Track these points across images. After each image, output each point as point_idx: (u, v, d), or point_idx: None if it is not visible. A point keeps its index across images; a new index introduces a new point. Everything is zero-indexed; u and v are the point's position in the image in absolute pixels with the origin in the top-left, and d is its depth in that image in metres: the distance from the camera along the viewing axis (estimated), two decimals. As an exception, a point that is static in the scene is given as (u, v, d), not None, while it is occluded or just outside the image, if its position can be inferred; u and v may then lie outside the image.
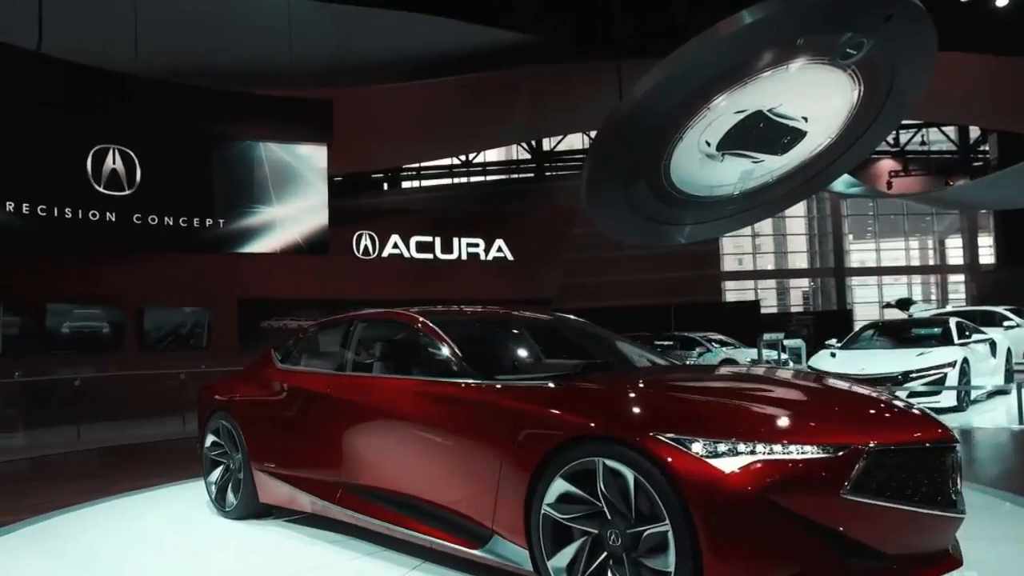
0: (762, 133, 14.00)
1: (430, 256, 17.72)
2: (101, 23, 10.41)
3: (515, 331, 5.05)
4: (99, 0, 10.34)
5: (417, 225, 17.77)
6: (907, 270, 31.37)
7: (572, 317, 5.40)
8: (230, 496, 4.86)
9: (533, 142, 26.67)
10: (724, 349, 17.34)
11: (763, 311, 25.67)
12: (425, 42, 15.38)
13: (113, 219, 10.08)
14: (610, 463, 2.84)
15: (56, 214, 9.57)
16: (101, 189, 9.98)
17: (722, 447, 2.65)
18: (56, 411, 9.46)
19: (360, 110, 14.50)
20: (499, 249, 18.46)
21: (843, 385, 3.66)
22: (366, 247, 16.94)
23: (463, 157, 30.64)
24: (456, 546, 3.40)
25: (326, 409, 4.31)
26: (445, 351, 3.87)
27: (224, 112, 11.18)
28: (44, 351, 11.71)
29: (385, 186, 30.41)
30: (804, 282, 32.76)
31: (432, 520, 3.53)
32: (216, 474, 4.99)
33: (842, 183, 19.83)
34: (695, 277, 22.91)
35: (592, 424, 3.02)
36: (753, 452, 2.63)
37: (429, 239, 17.74)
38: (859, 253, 32.29)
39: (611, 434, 2.89)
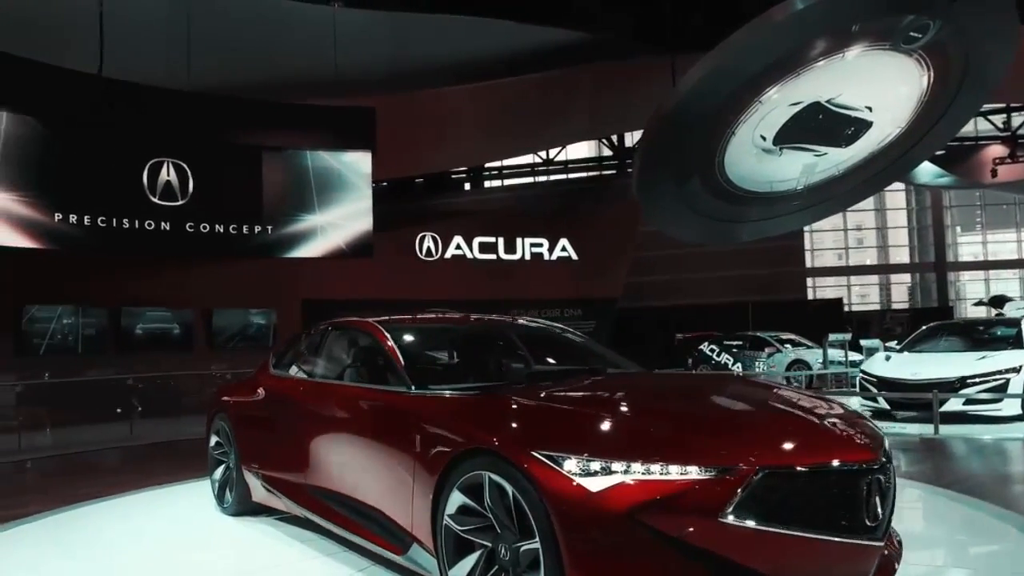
0: (822, 125, 13.38)
1: (493, 256, 17.90)
2: (157, 45, 11.17)
3: (479, 339, 5.15)
4: (155, 24, 11.08)
5: (481, 226, 17.97)
6: (1019, 264, 29.08)
7: (544, 324, 5.42)
8: (227, 494, 5.19)
9: (615, 138, 26.42)
10: (795, 350, 16.69)
11: (856, 309, 24.51)
12: (480, 45, 15.57)
13: (167, 228, 10.79)
14: (495, 477, 2.87)
15: (115, 224, 10.34)
16: (156, 200, 10.70)
17: (595, 465, 2.60)
18: (112, 408, 10.24)
19: (415, 114, 14.88)
20: (563, 248, 18.43)
21: (774, 398, 3.48)
22: (429, 248, 17.30)
23: (544, 155, 30.75)
24: (384, 550, 3.57)
25: (294, 414, 4.55)
26: (389, 359, 4.03)
27: (271, 123, 11.76)
28: (119, 351, 12.66)
29: (467, 186, 30.89)
30: (907, 277, 31.00)
31: (370, 524, 3.69)
32: (218, 472, 5.34)
33: (927, 174, 18.63)
34: (776, 274, 22.10)
35: (481, 437, 3.09)
36: (627, 471, 2.56)
37: (492, 239, 17.92)
38: (969, 246, 30.22)
39: (494, 448, 2.93)
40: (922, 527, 4.75)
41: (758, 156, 13.86)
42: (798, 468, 2.66)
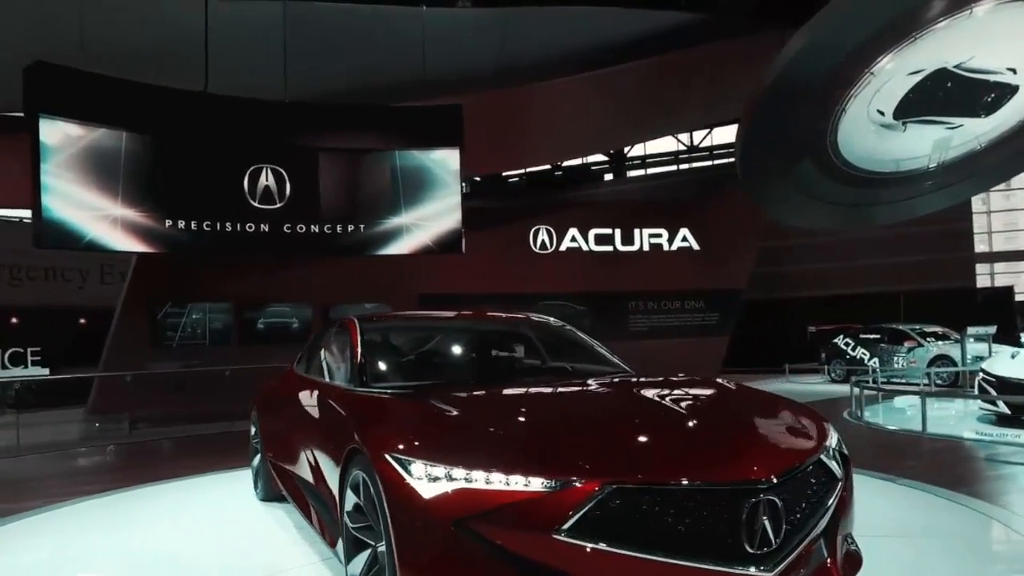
0: (952, 94, 11.95)
1: (609, 248, 17.62)
2: (256, 61, 12.05)
3: (464, 337, 5.23)
4: (254, 42, 11.97)
5: (596, 217, 17.74)
6: None
7: (547, 320, 5.40)
8: (259, 481, 5.71)
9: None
10: (940, 344, 15.09)
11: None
12: (589, 34, 15.35)
13: (266, 229, 11.66)
14: (366, 478, 2.98)
15: (218, 228, 11.33)
16: (256, 204, 11.59)
17: (438, 471, 2.60)
18: (215, 397, 11.24)
19: (523, 109, 14.95)
20: (683, 238, 17.79)
21: (687, 407, 3.31)
22: (543, 241, 17.34)
23: (688, 141, 29.76)
24: (325, 542, 3.79)
25: (288, 408, 4.87)
26: (351, 356, 4.25)
27: (362, 126, 12.33)
28: (242, 343, 13.83)
29: (609, 176, 30.58)
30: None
31: (324, 514, 3.88)
32: (256, 460, 5.82)
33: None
34: (936, 260, 20.00)
35: (357, 438, 3.22)
36: (468, 480, 2.54)
37: (608, 231, 17.65)
38: None
39: (364, 449, 3.03)
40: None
41: (877, 133, 12.62)
42: (652, 486, 2.47)
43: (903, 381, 14.71)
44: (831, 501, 2.86)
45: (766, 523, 2.50)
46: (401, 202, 12.45)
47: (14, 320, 18.87)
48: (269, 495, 5.47)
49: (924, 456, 7.69)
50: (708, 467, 2.58)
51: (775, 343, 18.74)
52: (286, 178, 11.82)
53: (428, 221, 12.64)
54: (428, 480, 2.61)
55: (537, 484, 2.47)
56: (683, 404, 3.36)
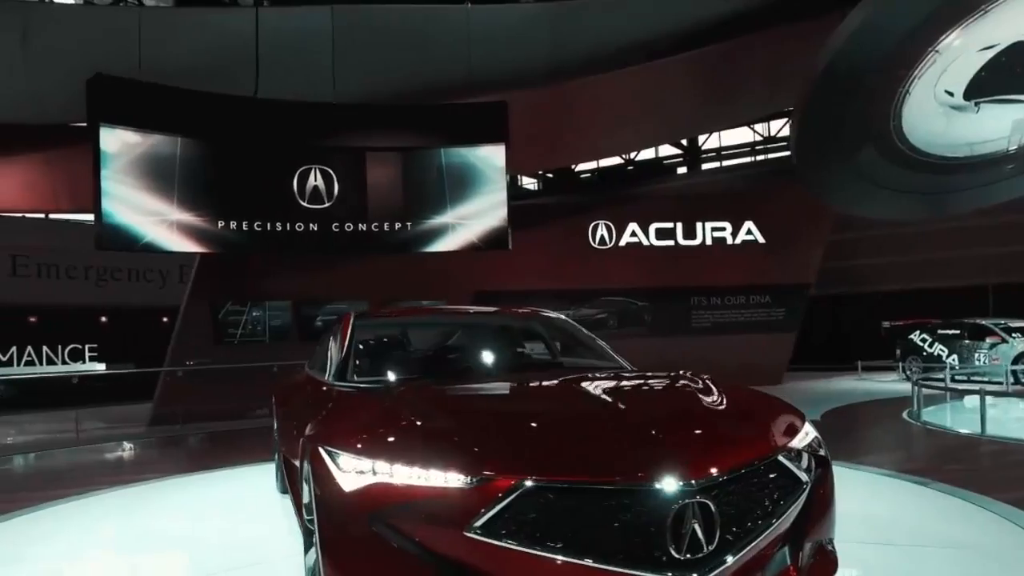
0: (1030, 70, 11.11)
1: (671, 243, 17.22)
2: (304, 64, 12.35)
3: (456, 332, 5.28)
4: (302, 46, 12.27)
5: (658, 211, 17.37)
6: None
7: (550, 316, 5.36)
8: (278, 473, 5.90)
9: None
10: (1024, 339, 14.12)
11: None
12: (642, 25, 15.06)
13: (315, 228, 11.96)
14: (308, 469, 3.05)
15: (268, 228, 11.69)
16: (305, 204, 11.91)
17: (363, 465, 2.63)
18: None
19: (578, 103, 14.79)
20: (748, 232, 17.19)
21: (643, 401, 3.30)
22: (602, 236, 17.11)
23: (765, 131, 28.83)
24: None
25: (293, 403, 4.98)
26: (337, 351, 4.37)
27: (407, 125, 12.49)
28: (301, 340, 14.22)
29: (683, 170, 29.97)
30: None
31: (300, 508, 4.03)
32: (277, 454, 6.04)
33: None
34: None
35: (304, 430, 3.32)
36: (389, 474, 2.56)
37: (670, 225, 17.24)
38: None
39: (306, 441, 3.12)
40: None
41: (947, 115, 11.85)
42: (571, 485, 2.41)
43: (985, 380, 13.81)
44: (792, 505, 2.69)
45: (696, 528, 2.37)
46: (447, 199, 12.54)
47: (103, 319, 20.04)
48: (285, 487, 5.60)
49: (973, 460, 7.19)
50: (635, 467, 2.47)
51: (847, 340, 17.92)
52: (334, 178, 12.09)
53: (474, 218, 12.68)
54: (352, 473, 2.62)
55: (455, 480, 2.44)
56: (635, 402, 3.27)
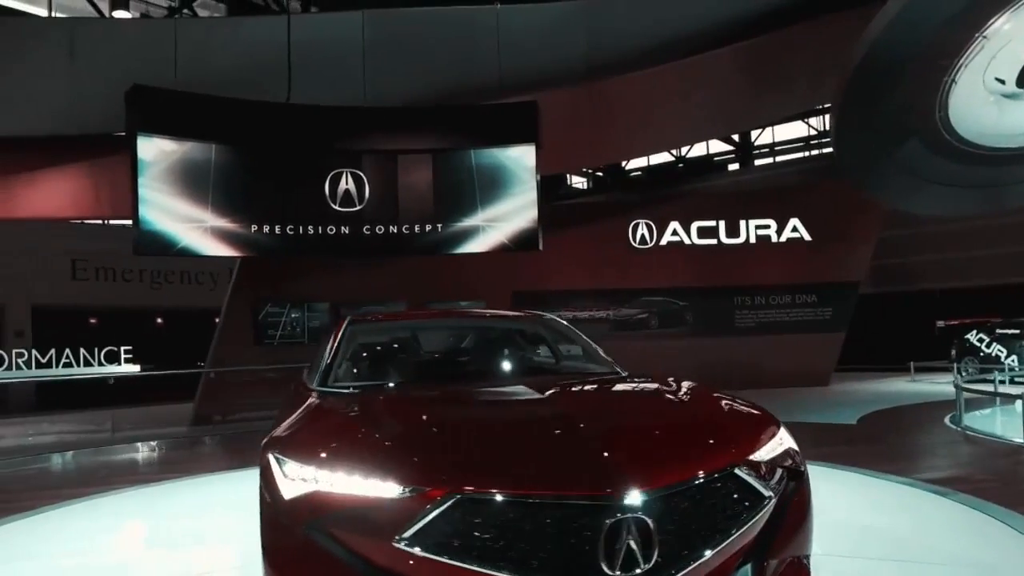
0: (1088, 54, 10.45)
1: (713, 241, 16.88)
2: (336, 70, 12.51)
3: (446, 336, 5.28)
4: (333, 53, 12.44)
5: (699, 210, 17.05)
6: None
7: (545, 319, 5.32)
8: None
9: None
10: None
11: None
12: (679, 20, 14.80)
13: (346, 231, 12.11)
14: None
15: (301, 232, 11.89)
16: (336, 208, 12.07)
17: (305, 473, 2.64)
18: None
19: (615, 101, 14.60)
20: (793, 229, 16.72)
21: (601, 410, 3.24)
22: (643, 236, 16.88)
23: (821, 125, 27.99)
24: None
25: (283, 406, 5.12)
26: (324, 356, 4.44)
27: (438, 126, 12.53)
28: (339, 340, 14.40)
29: (736, 166, 29.37)
30: None
31: None
32: None
33: None
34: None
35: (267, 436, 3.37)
36: (330, 483, 2.56)
37: (712, 223, 16.90)
38: None
39: (262, 448, 3.10)
40: None
41: (998, 104, 11.26)
42: (500, 497, 2.36)
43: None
44: (751, 520, 2.58)
45: (632, 544, 2.29)
46: (477, 200, 12.53)
47: (159, 320, 20.76)
48: None
49: (1007, 470, 6.80)
50: (569, 480, 2.41)
51: (899, 340, 17.25)
52: (365, 181, 12.21)
53: (504, 219, 12.65)
54: (297, 480, 2.62)
55: (389, 490, 2.43)
56: (593, 412, 3.19)
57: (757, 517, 2.58)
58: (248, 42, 12.20)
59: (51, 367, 9.16)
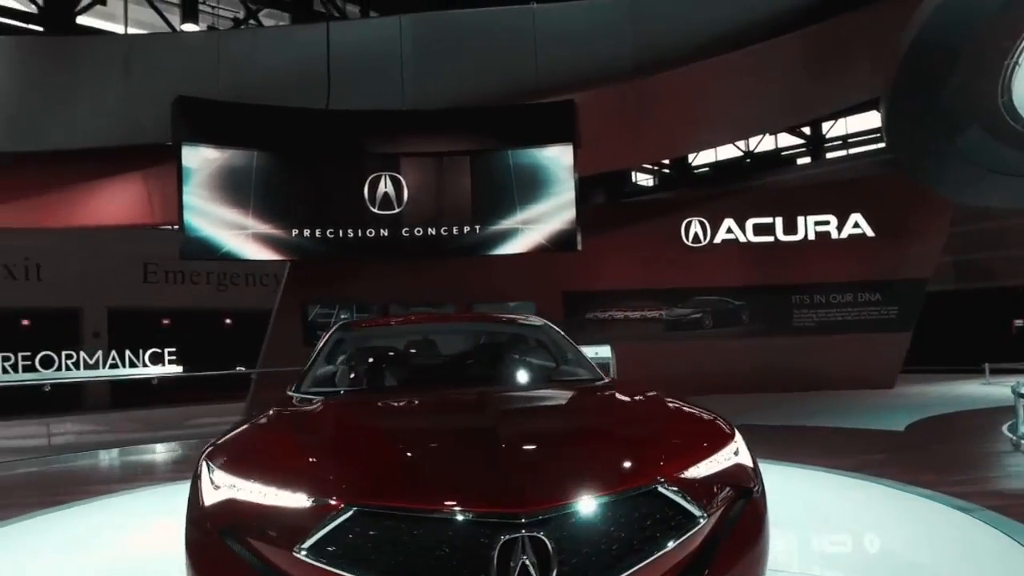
0: None
1: (770, 239, 16.33)
2: (374, 75, 12.67)
3: (430, 343, 5.28)
4: (372, 58, 12.62)
5: (755, 206, 16.52)
6: None
7: (533, 323, 5.28)
8: None
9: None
10: None
11: None
12: (731, 10, 14.39)
13: (385, 234, 12.27)
14: None
15: (340, 235, 12.12)
16: (376, 211, 12.25)
17: (229, 481, 2.69)
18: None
19: (664, 97, 14.30)
20: (855, 224, 15.99)
21: (515, 422, 3.17)
22: (696, 234, 16.48)
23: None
24: None
25: None
26: (309, 362, 4.56)
27: (475, 128, 12.55)
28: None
29: (806, 160, 28.38)
30: None
31: None
32: None
33: None
34: None
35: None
36: (249, 491, 2.61)
37: (768, 220, 16.35)
38: None
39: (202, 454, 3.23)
40: None
41: (1067, 87, 10.48)
42: (396, 511, 2.36)
43: None
44: (676, 542, 2.43)
45: (527, 563, 2.23)
46: (516, 201, 12.50)
47: (227, 321, 21.54)
48: None
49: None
50: (465, 495, 2.36)
51: (974, 340, 16.28)
52: (404, 184, 12.35)
53: (542, 219, 12.57)
54: (218, 488, 2.68)
55: (296, 500, 2.47)
56: (522, 425, 3.14)
57: (684, 539, 2.44)
58: (289, 50, 12.51)
59: (98, 368, 9.61)
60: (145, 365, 9.87)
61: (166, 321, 20.59)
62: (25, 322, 18.85)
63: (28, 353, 9.74)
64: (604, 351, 10.80)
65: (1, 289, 17.94)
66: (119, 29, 20.58)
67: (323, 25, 12.33)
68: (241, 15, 21.88)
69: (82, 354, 10.07)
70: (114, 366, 10.06)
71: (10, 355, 9.56)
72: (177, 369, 10.28)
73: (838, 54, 14.00)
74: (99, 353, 10.28)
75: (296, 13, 21.81)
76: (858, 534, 4.93)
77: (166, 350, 10.28)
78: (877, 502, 5.74)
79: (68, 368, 9.58)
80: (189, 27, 19.31)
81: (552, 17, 12.89)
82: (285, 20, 22.39)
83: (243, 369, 13.40)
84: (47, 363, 9.52)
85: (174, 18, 20.41)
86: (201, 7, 20.64)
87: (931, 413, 10.90)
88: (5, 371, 9.48)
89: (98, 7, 19.27)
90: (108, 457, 9.45)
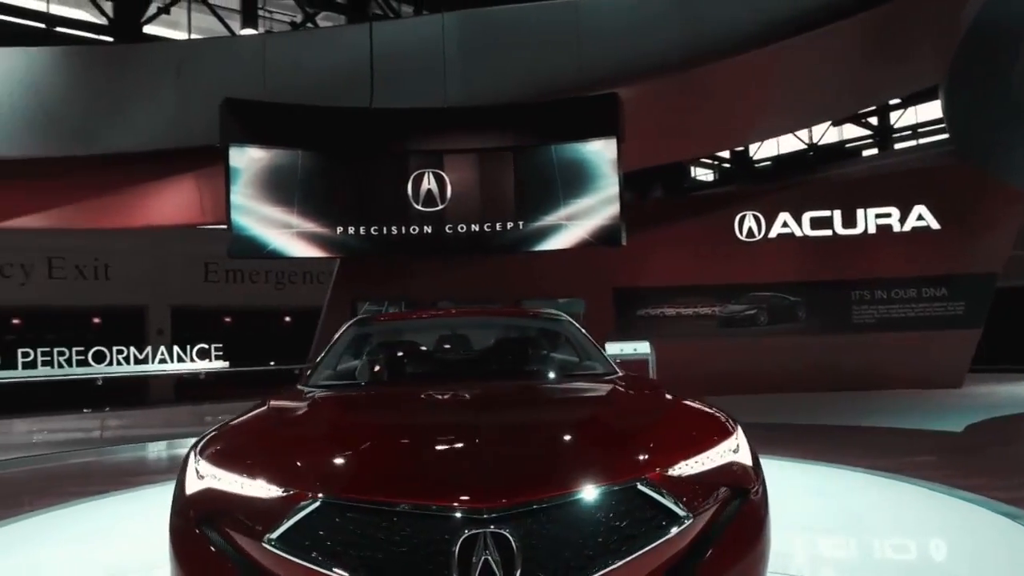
0: None
1: (827, 232, 15.76)
2: (417, 73, 12.71)
3: (442, 337, 5.26)
4: (414, 57, 12.67)
5: (811, 199, 15.96)
6: None
7: (552, 316, 5.22)
8: None
9: None
10: None
11: None
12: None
13: (429, 231, 12.31)
14: None
15: (384, 232, 12.21)
16: (419, 207, 12.30)
17: (211, 471, 2.74)
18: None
19: (719, 87, 13.93)
20: (919, 217, 15.29)
21: (500, 415, 3.15)
22: (750, 229, 16.03)
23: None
24: None
25: None
26: (324, 353, 4.63)
27: (518, 123, 12.46)
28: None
29: (873, 151, 27.35)
30: None
31: None
32: None
33: None
34: None
35: None
36: (229, 482, 2.64)
37: (826, 213, 15.78)
38: None
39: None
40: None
41: None
42: (360, 504, 2.36)
43: None
44: (656, 543, 2.34)
45: (490, 560, 2.18)
46: (559, 196, 12.38)
47: (287, 319, 22.02)
48: None
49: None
50: (429, 490, 2.34)
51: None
52: (447, 180, 12.36)
53: (586, 214, 12.42)
54: (202, 477, 2.71)
55: (271, 491, 2.48)
56: (507, 419, 3.09)
57: (665, 540, 2.34)
58: (333, 50, 12.67)
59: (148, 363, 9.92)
60: (202, 360, 10.12)
61: (227, 319, 21.17)
62: (95, 320, 19.67)
63: (99, 348, 10.02)
64: (643, 347, 10.54)
65: (73, 288, 18.75)
66: (183, 36, 21.24)
67: (366, 25, 12.44)
68: (299, 19, 22.33)
69: (143, 350, 10.41)
70: (180, 360, 10.34)
71: (78, 349, 9.89)
72: (224, 364, 10.52)
73: (900, 39, 13.39)
74: (161, 349, 10.63)
75: (352, 15, 22.11)
76: (884, 536, 4.69)
77: (212, 346, 10.53)
78: (912, 504, 5.47)
79: (120, 364, 9.88)
80: (247, 31, 19.79)
81: (596, 10, 12.69)
82: (342, 22, 22.73)
83: (274, 364, 13.60)
84: (99, 358, 9.87)
85: (235, 24, 20.95)
86: (260, 12, 21.13)
87: (995, 414, 10.35)
88: (69, 364, 9.84)
89: (163, 16, 19.95)
90: (156, 449, 9.75)
